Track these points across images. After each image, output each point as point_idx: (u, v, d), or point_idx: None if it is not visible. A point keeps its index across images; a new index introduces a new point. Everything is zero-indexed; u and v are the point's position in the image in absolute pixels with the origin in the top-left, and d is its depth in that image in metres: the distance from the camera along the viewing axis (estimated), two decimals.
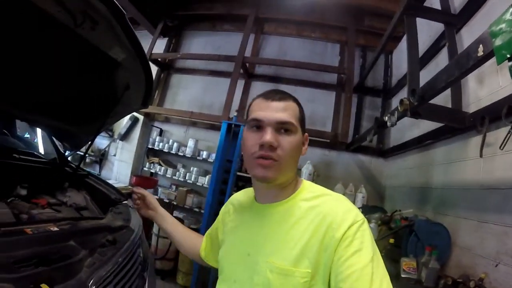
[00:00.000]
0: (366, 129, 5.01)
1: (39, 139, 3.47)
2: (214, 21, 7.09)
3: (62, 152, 3.03)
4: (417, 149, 4.07)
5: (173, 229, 1.63)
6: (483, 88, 2.71)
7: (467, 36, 3.06)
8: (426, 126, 3.65)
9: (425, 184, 3.64)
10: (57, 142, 3.08)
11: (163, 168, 6.26)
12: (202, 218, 4.68)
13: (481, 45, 1.61)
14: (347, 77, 5.51)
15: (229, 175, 4.54)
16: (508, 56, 1.37)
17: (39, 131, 3.47)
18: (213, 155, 5.73)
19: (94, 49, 2.10)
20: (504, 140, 2.13)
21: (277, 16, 6.48)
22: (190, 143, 6.10)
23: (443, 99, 2.94)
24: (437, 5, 3.38)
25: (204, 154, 5.99)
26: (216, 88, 6.60)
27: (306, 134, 1.17)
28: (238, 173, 4.61)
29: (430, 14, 3.29)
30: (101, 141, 7.36)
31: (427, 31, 3.88)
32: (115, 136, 7.06)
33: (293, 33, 6.56)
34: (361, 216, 1.00)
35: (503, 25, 1.42)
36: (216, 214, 1.49)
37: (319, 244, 0.96)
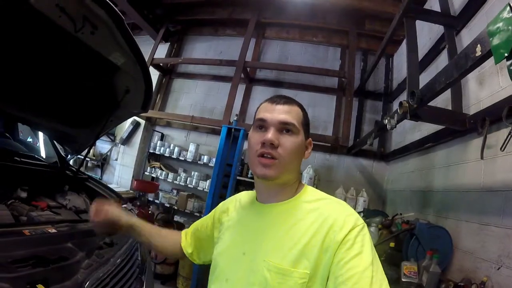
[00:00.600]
0: (367, 133, 5.00)
1: (41, 143, 3.49)
2: (216, 26, 7.11)
3: (63, 155, 3.04)
4: (418, 152, 4.05)
5: (152, 235, 1.50)
6: (483, 90, 2.70)
7: (467, 37, 3.05)
8: (427, 129, 3.65)
9: (426, 188, 3.61)
10: (58, 146, 3.09)
11: (164, 172, 6.27)
12: None
13: (479, 45, 1.61)
14: (348, 81, 5.50)
15: (229, 179, 4.52)
16: (506, 54, 1.36)
17: (41, 135, 3.49)
18: (214, 160, 5.74)
19: (94, 54, 2.13)
20: (505, 141, 2.10)
21: (278, 21, 6.49)
22: (191, 147, 6.10)
23: (443, 101, 2.94)
24: (437, 7, 3.39)
25: (205, 158, 6.00)
26: (217, 93, 6.63)
27: (310, 139, 1.20)
28: (238, 177, 4.61)
29: (430, 16, 3.30)
30: (102, 146, 7.38)
31: (428, 33, 3.89)
32: (117, 141, 7.08)
33: (294, 37, 6.58)
34: (361, 221, 1.01)
35: (500, 24, 1.41)
36: None
37: (320, 246, 0.96)
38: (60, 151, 3.10)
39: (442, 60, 3.52)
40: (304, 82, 6.18)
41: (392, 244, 2.98)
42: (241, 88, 6.10)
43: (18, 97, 2.37)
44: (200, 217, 5.44)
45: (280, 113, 1.10)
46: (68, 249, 1.54)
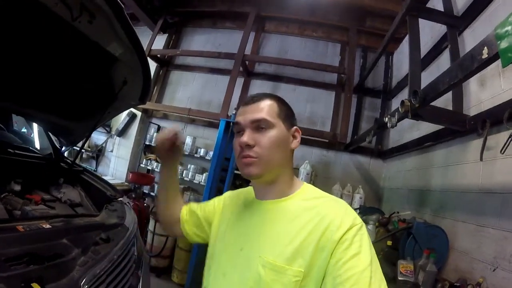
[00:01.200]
0: (365, 130, 5.00)
1: (35, 134, 3.44)
2: (215, 19, 7.06)
3: (58, 147, 3.00)
4: (416, 151, 4.06)
5: (176, 182, 1.50)
6: (484, 91, 2.70)
7: (470, 38, 3.04)
8: (425, 128, 3.65)
9: (424, 187, 3.62)
10: (53, 138, 3.05)
11: (160, 165, 6.20)
12: None
13: (485, 47, 1.59)
14: (347, 77, 5.49)
15: (227, 173, 4.51)
16: None
17: (35, 126, 3.44)
18: (211, 153, 5.71)
19: (91, 44, 2.07)
20: (505, 144, 2.12)
21: (278, 15, 6.46)
22: (188, 140, 6.08)
23: (443, 101, 2.93)
24: (440, 7, 3.37)
25: (202, 151, 5.98)
26: (215, 86, 6.60)
27: (296, 127, 1.19)
28: (236, 172, 4.59)
29: (433, 15, 3.27)
30: (98, 137, 7.32)
31: (429, 32, 3.87)
32: (113, 132, 7.04)
33: (294, 32, 6.54)
34: (359, 220, 1.00)
35: (509, 28, 1.40)
36: None
37: (316, 244, 0.96)
38: (55, 142, 3.06)
39: (444, 60, 3.51)
40: (303, 77, 6.15)
41: (389, 243, 2.99)
42: (239, 82, 6.07)
43: (12, 88, 2.33)
44: None
45: (250, 112, 1.12)
46: (63, 245, 1.51)
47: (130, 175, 5.63)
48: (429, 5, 3.32)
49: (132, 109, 6.57)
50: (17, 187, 2.16)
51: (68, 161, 2.89)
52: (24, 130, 3.81)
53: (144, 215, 4.90)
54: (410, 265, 2.63)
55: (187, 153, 6.02)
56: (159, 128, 6.70)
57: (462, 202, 2.81)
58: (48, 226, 1.57)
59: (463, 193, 2.80)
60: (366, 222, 3.51)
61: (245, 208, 1.23)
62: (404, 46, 5.17)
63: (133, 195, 5.21)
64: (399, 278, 2.58)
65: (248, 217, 1.18)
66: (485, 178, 2.51)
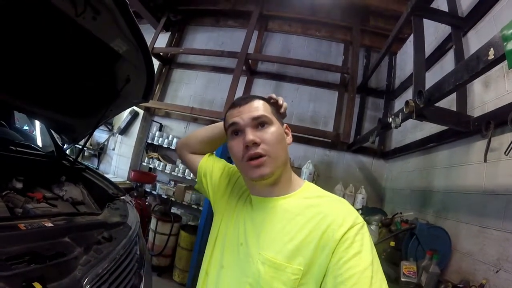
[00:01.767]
0: (367, 130, 4.99)
1: (37, 132, 3.44)
2: (218, 17, 7.05)
3: (60, 145, 2.99)
4: (419, 152, 4.04)
5: (219, 140, 1.49)
6: (489, 92, 2.69)
7: (474, 39, 3.03)
8: (429, 128, 3.64)
9: (427, 188, 3.61)
10: (55, 135, 3.04)
11: (162, 163, 6.24)
12: (200, 215, 4.64)
13: (491, 49, 1.58)
14: (350, 77, 5.46)
15: None
16: None
17: (37, 123, 3.43)
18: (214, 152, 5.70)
19: (95, 40, 2.06)
20: (509, 145, 2.11)
21: (281, 14, 6.44)
22: None
23: (447, 102, 2.92)
24: (444, 7, 3.36)
25: None
26: (217, 84, 6.60)
27: (286, 125, 1.23)
28: None
29: (438, 15, 3.26)
30: (100, 135, 7.34)
31: (433, 32, 3.86)
32: (115, 130, 7.05)
33: (297, 31, 6.52)
34: (361, 219, 1.00)
35: None
36: None
37: (316, 243, 0.95)
38: (57, 140, 3.05)
39: (448, 61, 3.51)
40: (306, 77, 6.13)
41: (392, 243, 2.98)
42: (242, 81, 6.04)
43: (14, 85, 2.32)
44: (197, 209, 5.47)
45: (247, 112, 1.12)
46: (65, 244, 1.50)
47: (132, 174, 5.63)
48: (433, 5, 3.31)
49: (135, 107, 6.58)
50: (19, 185, 2.16)
51: (70, 159, 2.89)
52: (26, 127, 3.81)
53: (146, 213, 4.90)
54: (413, 266, 2.62)
55: None
56: (161, 127, 6.70)
57: (465, 204, 2.79)
58: (50, 224, 1.57)
59: (466, 194, 2.79)
60: (368, 222, 3.51)
61: (247, 202, 1.23)
62: (408, 46, 5.15)
63: (135, 194, 5.21)
64: (402, 279, 2.57)
65: (249, 212, 1.18)
66: (489, 180, 2.50)
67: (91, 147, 7.21)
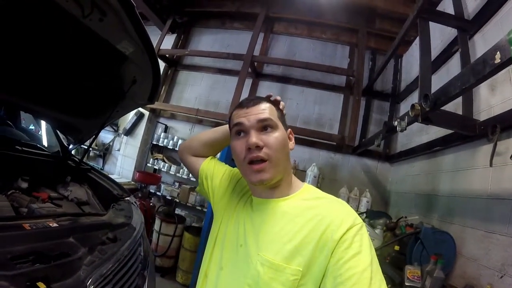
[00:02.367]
0: (373, 133, 4.98)
1: (43, 132, 3.46)
2: (224, 19, 7.07)
3: (66, 145, 3.01)
4: (424, 155, 4.03)
5: (223, 143, 1.52)
6: (494, 96, 2.68)
7: (480, 42, 3.02)
8: (434, 132, 3.62)
9: (432, 191, 3.59)
10: (61, 135, 3.06)
11: (166, 164, 6.26)
12: (205, 217, 4.65)
13: (498, 52, 1.58)
14: (356, 80, 5.44)
15: None
16: None
17: (43, 123, 3.45)
18: (218, 154, 5.70)
19: (101, 42, 2.07)
20: None
21: (287, 16, 6.45)
22: None
23: (453, 106, 2.91)
24: (450, 10, 3.36)
25: None
26: (223, 86, 6.60)
27: (290, 129, 1.23)
28: None
29: (444, 18, 3.26)
30: (105, 136, 7.37)
31: (439, 35, 3.85)
32: (120, 131, 7.09)
33: (303, 33, 6.53)
34: (360, 220, 1.00)
35: None
36: None
37: (315, 244, 0.96)
38: (63, 140, 3.07)
39: (454, 64, 3.49)
40: (311, 79, 6.13)
41: (396, 247, 2.97)
42: (247, 83, 6.05)
43: (20, 85, 2.33)
44: (202, 211, 5.48)
45: (255, 113, 1.12)
46: (70, 244, 1.51)
47: (137, 174, 5.64)
48: (439, 8, 3.31)
49: (140, 109, 6.60)
50: (24, 184, 2.17)
51: (76, 159, 2.90)
52: (31, 127, 3.83)
53: (150, 214, 4.91)
54: (417, 270, 2.61)
55: None
56: (166, 128, 6.72)
57: (470, 208, 2.78)
58: (55, 224, 1.58)
59: (472, 198, 2.77)
60: (373, 226, 3.50)
61: (247, 204, 1.24)
62: (414, 49, 5.14)
63: (139, 195, 5.22)
64: (406, 284, 2.55)
65: (249, 214, 1.18)
66: (494, 184, 2.48)
67: (96, 148, 7.24)
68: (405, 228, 3.13)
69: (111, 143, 7.32)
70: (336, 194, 1.04)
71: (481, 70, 1.75)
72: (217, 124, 6.18)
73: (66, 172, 2.66)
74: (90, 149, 6.15)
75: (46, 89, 2.44)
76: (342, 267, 0.90)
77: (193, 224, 5.59)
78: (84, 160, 2.96)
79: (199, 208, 5.61)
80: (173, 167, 6.16)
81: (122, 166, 6.91)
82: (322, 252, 0.94)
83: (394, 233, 3.29)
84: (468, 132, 2.73)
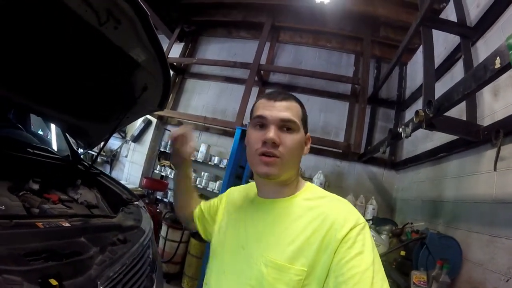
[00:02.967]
0: (378, 141, 4.99)
1: (53, 136, 3.51)
2: (230, 28, 7.17)
3: (76, 150, 3.06)
4: (429, 162, 4.03)
5: (188, 192, 1.57)
6: (498, 101, 2.69)
7: (483, 49, 3.05)
8: (439, 138, 3.63)
9: (437, 198, 3.59)
10: (71, 140, 3.11)
11: (174, 171, 6.25)
12: None
13: (498, 58, 1.61)
14: (361, 88, 5.49)
15: (241, 181, 4.52)
16: None
17: (53, 127, 3.51)
18: (225, 161, 5.80)
19: (115, 49, 2.12)
20: None
21: (293, 25, 6.53)
22: (202, 148, 6.14)
23: (457, 111, 2.93)
24: (453, 17, 3.39)
25: (216, 159, 6.03)
26: (230, 94, 6.68)
27: (309, 134, 1.20)
28: (250, 180, 4.60)
29: (447, 26, 3.30)
30: (113, 142, 7.44)
31: (443, 43, 3.88)
32: (128, 138, 7.17)
33: (308, 42, 6.60)
34: (362, 220, 1.01)
35: None
36: None
37: (319, 244, 0.96)
38: (73, 145, 3.12)
39: (458, 70, 3.51)
40: (317, 87, 6.18)
41: (402, 253, 2.97)
42: (254, 91, 6.10)
43: (34, 88, 2.39)
44: None
45: (280, 110, 1.09)
46: (81, 243, 1.54)
47: (144, 181, 5.69)
48: (442, 15, 3.35)
49: (148, 116, 6.69)
50: (36, 186, 2.20)
51: (86, 163, 2.95)
52: (40, 132, 3.88)
53: (157, 221, 4.94)
54: (423, 275, 2.61)
55: (201, 161, 6.08)
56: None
57: (475, 213, 2.78)
58: (67, 224, 1.61)
59: (477, 203, 2.77)
60: (379, 232, 3.50)
61: (248, 206, 1.24)
62: (418, 56, 5.16)
63: (146, 201, 5.26)
64: None
65: (251, 215, 1.18)
66: (499, 189, 2.48)
67: (104, 154, 7.31)
68: (411, 234, 3.13)
69: (118, 150, 7.40)
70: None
71: (482, 76, 1.78)
72: (224, 132, 6.28)
73: (76, 175, 2.70)
74: (95, 153, 6.22)
75: (58, 92, 2.49)
76: (344, 267, 0.90)
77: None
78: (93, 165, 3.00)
79: None
80: None
81: (129, 172, 6.98)
82: (326, 252, 0.95)
83: (400, 239, 3.30)
84: (472, 137, 2.74)
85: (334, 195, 1.13)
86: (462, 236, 2.82)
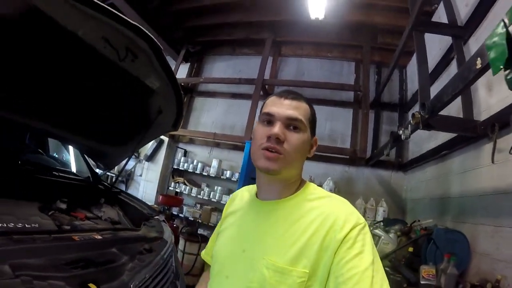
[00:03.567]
0: (383, 144, 5.07)
1: (72, 158, 3.68)
2: (234, 46, 7.36)
3: (96, 171, 3.24)
4: (434, 160, 4.11)
5: None
6: (492, 96, 2.78)
7: (474, 46, 3.11)
8: (442, 137, 3.71)
9: (444, 194, 3.66)
10: (90, 162, 3.30)
11: (188, 187, 6.50)
12: None
13: (479, 58, 1.72)
14: (363, 94, 5.62)
15: None
16: (502, 67, 1.48)
17: (71, 150, 3.69)
18: (236, 175, 5.96)
19: (132, 78, 2.33)
20: None
21: (294, 39, 6.70)
22: (214, 163, 6.31)
23: (457, 109, 3.03)
24: (444, 19, 3.50)
25: (228, 173, 6.18)
26: (237, 110, 6.84)
27: (316, 138, 1.20)
28: None
29: (438, 28, 3.41)
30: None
31: (438, 44, 3.97)
32: (141, 157, 7.34)
33: (309, 53, 6.75)
34: (362, 220, 1.01)
35: (496, 39, 1.53)
36: None
37: (320, 244, 0.96)
38: (92, 167, 3.30)
39: (453, 70, 3.59)
40: (321, 97, 6.30)
41: (410, 249, 3.04)
42: (260, 105, 6.18)
43: (61, 116, 2.59)
44: None
45: (288, 108, 1.08)
46: (113, 253, 1.71)
47: (160, 197, 5.83)
48: (435, 16, 3.43)
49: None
50: (63, 206, 2.36)
51: (106, 184, 3.13)
52: (55, 155, 4.04)
53: (174, 235, 5.07)
54: (432, 269, 2.65)
55: (213, 176, 6.25)
56: (185, 153, 6.98)
57: (479, 206, 2.85)
58: (99, 237, 1.79)
59: (481, 196, 2.84)
60: (387, 231, 3.55)
61: (248, 209, 1.22)
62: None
63: (163, 216, 5.39)
64: (422, 282, 2.62)
65: (250, 218, 1.18)
66: (499, 180, 2.56)
67: (119, 174, 7.49)
68: (420, 232, 3.18)
69: (132, 169, 7.57)
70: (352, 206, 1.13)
71: (467, 76, 1.89)
72: (234, 146, 6.43)
73: (99, 195, 2.87)
74: (113, 174, 6.40)
75: (82, 119, 2.69)
76: (344, 267, 0.90)
77: None
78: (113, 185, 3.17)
79: None
80: (194, 189, 6.38)
81: (144, 190, 7.14)
82: (326, 253, 0.94)
83: (409, 237, 3.31)
84: (470, 133, 2.83)
85: (334, 195, 1.13)
86: (469, 230, 2.89)
